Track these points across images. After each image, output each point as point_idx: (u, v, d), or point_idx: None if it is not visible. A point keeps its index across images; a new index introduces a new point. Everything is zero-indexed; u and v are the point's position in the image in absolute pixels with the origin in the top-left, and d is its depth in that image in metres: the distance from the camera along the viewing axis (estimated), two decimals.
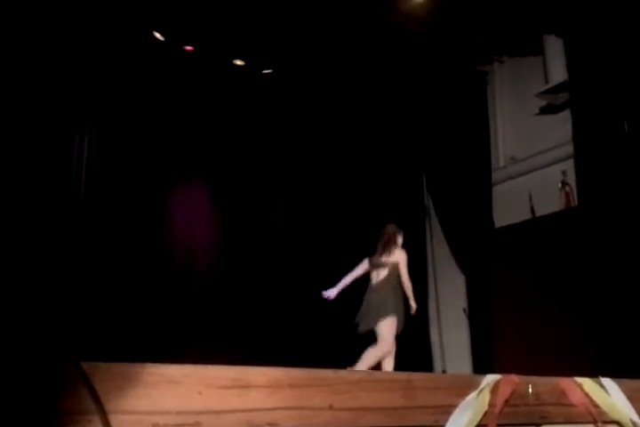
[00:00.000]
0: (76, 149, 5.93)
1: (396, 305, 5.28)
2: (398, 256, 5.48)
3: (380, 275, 5.46)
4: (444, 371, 6.96)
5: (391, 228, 5.70)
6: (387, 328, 5.17)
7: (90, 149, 6.03)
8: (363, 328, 5.33)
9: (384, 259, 5.48)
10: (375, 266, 5.52)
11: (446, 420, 1.58)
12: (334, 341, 6.56)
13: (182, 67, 6.56)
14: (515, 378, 1.77)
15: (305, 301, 6.71)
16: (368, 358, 5.13)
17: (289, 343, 6.31)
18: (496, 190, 7.54)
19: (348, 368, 4.56)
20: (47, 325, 4.77)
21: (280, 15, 6.31)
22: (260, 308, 6.47)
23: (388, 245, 5.53)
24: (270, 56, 6.89)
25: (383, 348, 5.15)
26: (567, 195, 6.54)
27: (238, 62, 6.86)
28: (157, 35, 6.28)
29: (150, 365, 1.24)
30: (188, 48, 6.54)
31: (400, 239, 5.67)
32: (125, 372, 1.20)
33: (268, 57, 6.91)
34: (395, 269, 5.44)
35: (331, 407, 1.41)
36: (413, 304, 5.42)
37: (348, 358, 5.46)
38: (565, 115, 6.63)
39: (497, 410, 1.66)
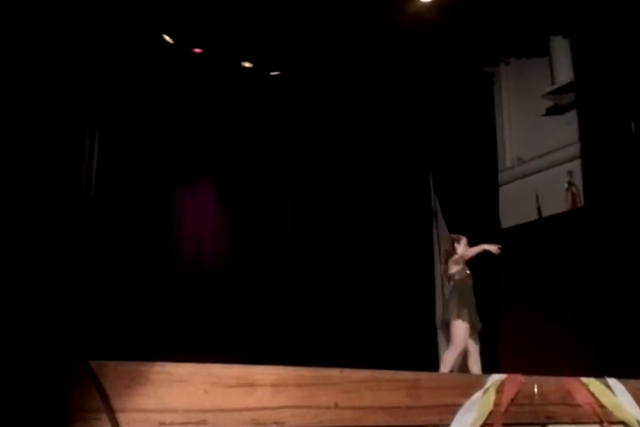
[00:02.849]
0: (86, 151, 5.97)
1: (461, 311, 5.49)
2: (454, 267, 5.63)
3: (449, 285, 5.78)
4: (451, 371, 6.95)
5: (447, 238, 5.94)
6: (456, 332, 5.45)
7: (100, 151, 6.06)
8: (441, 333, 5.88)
9: (446, 273, 5.77)
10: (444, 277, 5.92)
11: (451, 419, 1.58)
12: (341, 340, 6.57)
13: (191, 69, 6.58)
14: (520, 378, 1.77)
15: (312, 300, 6.73)
16: (445, 360, 5.45)
17: (296, 343, 6.32)
18: (503, 191, 7.53)
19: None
20: (57, 324, 4.80)
21: (287, 18, 6.32)
22: (267, 307, 6.48)
23: (447, 258, 5.75)
24: (278, 58, 6.91)
25: (456, 350, 5.44)
26: (573, 195, 6.52)
27: (246, 64, 6.88)
28: (167, 37, 6.32)
29: (157, 363, 1.25)
30: (197, 50, 6.56)
31: (459, 247, 5.69)
32: (133, 370, 1.22)
33: (275, 59, 6.93)
34: (456, 281, 5.64)
35: (336, 406, 1.42)
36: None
37: (354, 358, 5.46)
38: (572, 115, 6.61)
39: (502, 409, 1.66)
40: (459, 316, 5.46)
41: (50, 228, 5.28)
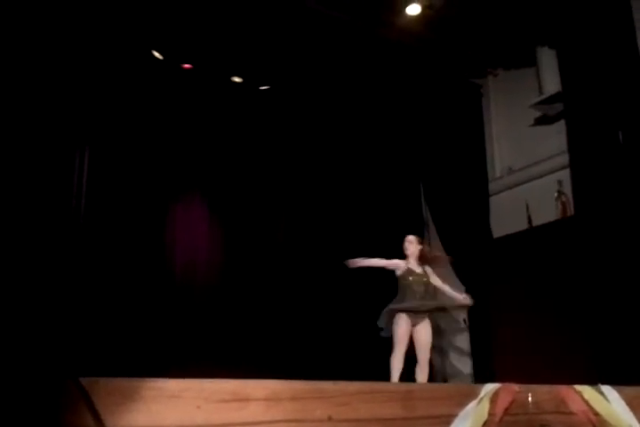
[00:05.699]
0: (76, 167, 5.95)
1: (382, 314, 5.37)
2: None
3: None
4: (445, 381, 6.92)
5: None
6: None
7: (90, 167, 6.04)
8: None
9: None
10: None
11: None
12: (335, 353, 6.55)
13: (181, 85, 6.60)
14: (514, 387, 1.77)
15: (306, 314, 6.71)
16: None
17: (289, 357, 6.30)
18: (493, 201, 7.56)
19: None
20: (47, 340, 4.76)
21: (276, 32, 6.37)
22: (260, 321, 6.46)
23: None
24: (268, 73, 6.94)
25: (394, 351, 5.18)
26: (563, 204, 6.55)
27: (236, 79, 6.90)
28: (156, 53, 6.33)
29: (149, 379, 1.24)
30: (187, 66, 6.58)
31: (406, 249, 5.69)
32: (124, 387, 1.21)
33: (265, 74, 6.96)
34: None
35: (330, 419, 1.41)
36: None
37: (346, 370, 5.44)
38: (560, 125, 6.66)
39: (497, 419, 1.66)
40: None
41: (41, 243, 5.26)
